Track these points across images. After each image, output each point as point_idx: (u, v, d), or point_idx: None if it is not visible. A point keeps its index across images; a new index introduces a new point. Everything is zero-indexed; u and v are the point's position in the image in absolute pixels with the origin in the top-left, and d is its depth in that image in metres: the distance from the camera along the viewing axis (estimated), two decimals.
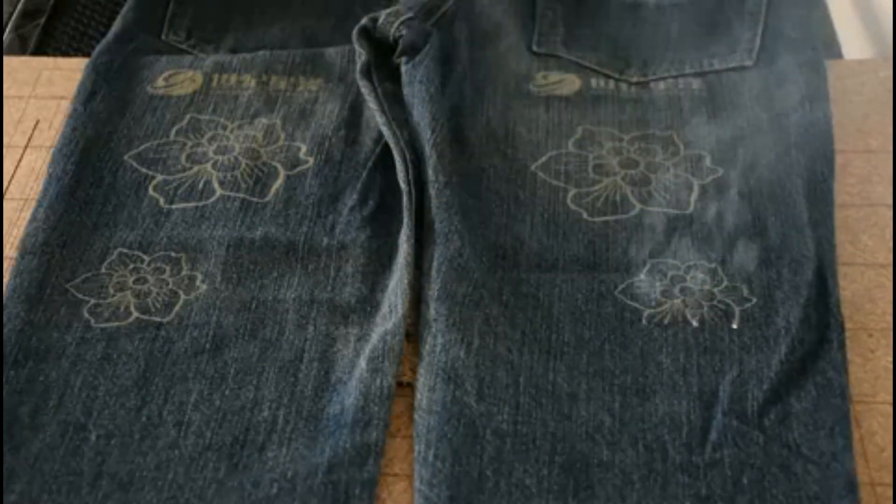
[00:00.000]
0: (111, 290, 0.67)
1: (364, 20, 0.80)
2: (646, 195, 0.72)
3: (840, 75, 0.82)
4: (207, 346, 0.64)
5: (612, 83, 0.81)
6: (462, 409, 0.59)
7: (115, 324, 0.65)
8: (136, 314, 0.65)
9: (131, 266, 0.68)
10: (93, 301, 0.66)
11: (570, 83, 0.82)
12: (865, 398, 0.61)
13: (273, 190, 0.73)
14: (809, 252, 0.66)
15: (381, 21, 0.80)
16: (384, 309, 0.64)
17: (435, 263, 0.66)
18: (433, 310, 0.63)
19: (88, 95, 0.79)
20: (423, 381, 0.61)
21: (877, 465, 0.58)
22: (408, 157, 0.71)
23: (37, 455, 0.58)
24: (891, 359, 0.63)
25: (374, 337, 0.63)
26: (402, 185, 0.70)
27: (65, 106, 0.80)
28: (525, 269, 0.67)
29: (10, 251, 0.69)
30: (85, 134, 0.76)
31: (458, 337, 0.62)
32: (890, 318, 0.65)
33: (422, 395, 0.60)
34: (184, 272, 0.68)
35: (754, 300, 0.65)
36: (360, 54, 0.78)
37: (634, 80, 0.81)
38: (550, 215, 0.71)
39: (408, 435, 0.60)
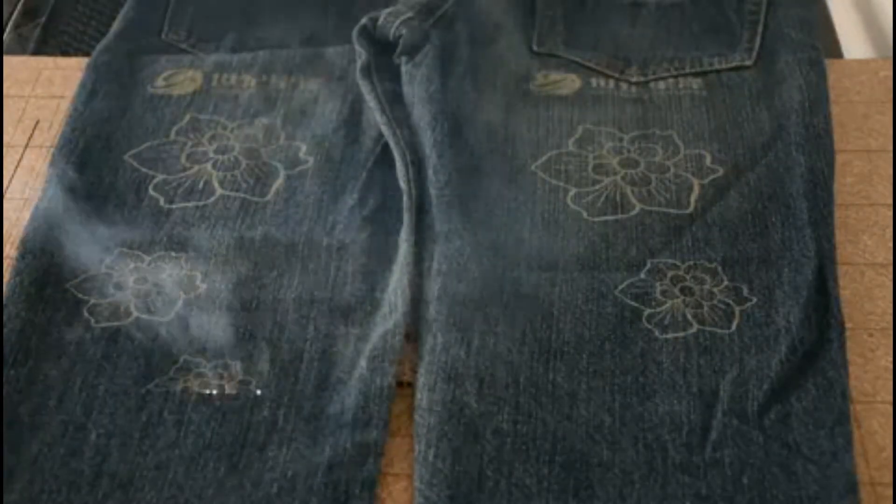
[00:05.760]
0: (111, 290, 0.67)
1: (364, 20, 0.80)
2: (646, 195, 0.72)
3: (840, 75, 0.82)
4: (207, 345, 0.64)
5: (612, 83, 0.81)
6: (462, 409, 0.59)
7: (115, 323, 0.65)
8: (135, 314, 0.65)
9: (131, 266, 0.68)
10: (93, 301, 0.66)
11: (570, 83, 0.82)
12: (865, 398, 0.61)
13: (273, 190, 0.73)
14: (809, 252, 0.66)
15: (381, 21, 0.80)
16: (384, 309, 0.64)
17: (435, 263, 0.66)
18: (433, 310, 0.63)
19: (88, 95, 0.79)
20: (423, 381, 0.61)
21: (877, 465, 0.58)
22: (408, 157, 0.71)
23: (37, 455, 0.58)
24: (891, 359, 0.63)
25: (374, 337, 0.63)
26: (402, 185, 0.70)
27: (65, 106, 0.80)
28: (525, 269, 0.67)
29: (10, 251, 0.69)
30: (85, 134, 0.76)
31: (458, 337, 0.62)
32: (890, 318, 0.65)
33: (422, 395, 0.60)
34: (184, 272, 0.68)
35: (754, 300, 0.65)
36: (360, 54, 0.78)
37: (634, 79, 0.81)
38: (550, 215, 0.71)
39: (408, 434, 0.60)
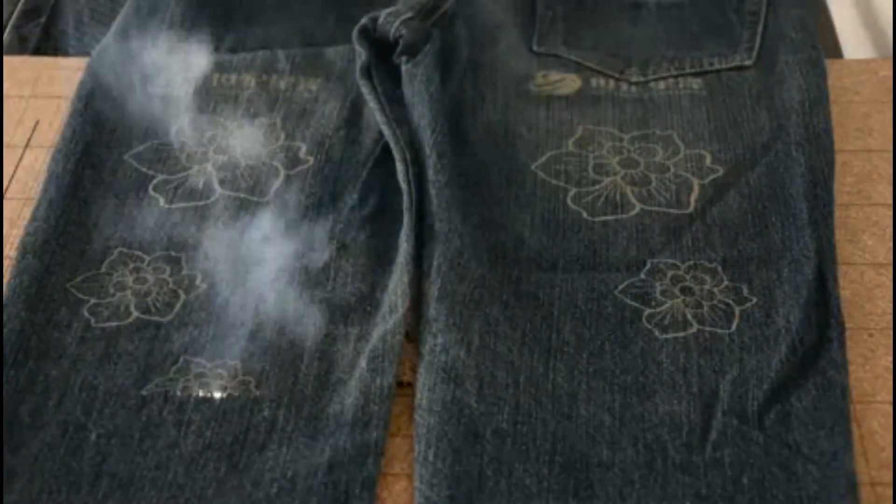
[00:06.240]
0: (111, 290, 0.67)
1: (364, 20, 0.80)
2: (646, 195, 0.72)
3: (840, 75, 0.82)
4: (207, 345, 0.64)
5: (612, 83, 0.81)
6: (462, 409, 0.59)
7: (115, 323, 0.65)
8: (136, 314, 0.65)
9: (131, 266, 0.68)
10: (93, 301, 0.66)
11: (570, 83, 0.82)
12: (865, 398, 0.61)
13: (273, 190, 0.73)
14: (809, 252, 0.66)
15: (381, 21, 0.80)
16: (384, 309, 0.64)
17: (435, 263, 0.66)
18: (433, 309, 0.63)
19: (88, 95, 0.79)
20: (423, 381, 0.61)
21: (877, 465, 0.58)
22: (408, 157, 0.71)
23: (37, 455, 0.58)
24: (891, 359, 0.63)
25: (374, 336, 0.63)
26: (402, 185, 0.70)
27: (65, 106, 0.80)
28: (525, 269, 0.67)
29: (10, 251, 0.69)
30: (85, 134, 0.76)
31: (458, 337, 0.62)
32: (890, 318, 0.65)
33: (422, 395, 0.60)
34: (184, 272, 0.68)
35: (754, 300, 0.65)
36: (360, 54, 0.78)
37: (634, 79, 0.81)
38: (550, 215, 0.71)
39: (408, 434, 0.60)
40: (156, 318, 0.65)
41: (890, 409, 0.60)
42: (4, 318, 0.64)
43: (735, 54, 0.83)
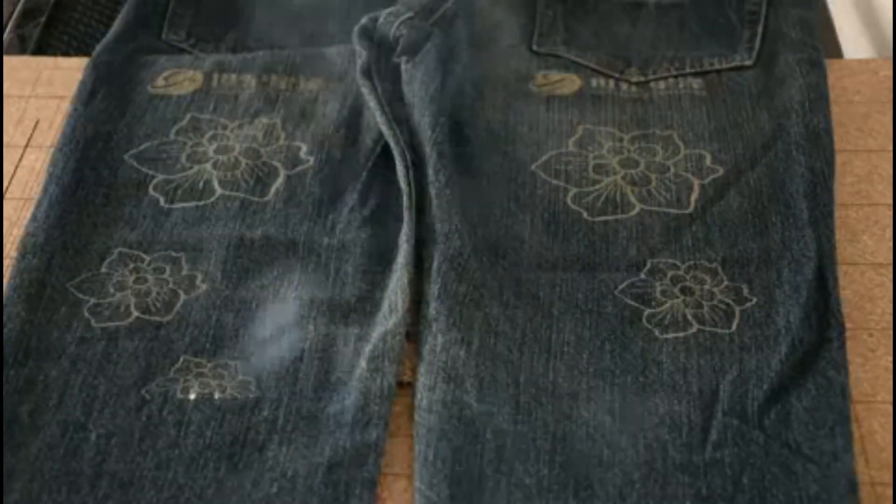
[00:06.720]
0: (111, 290, 0.67)
1: (364, 20, 0.80)
2: (646, 195, 0.72)
3: (840, 75, 0.82)
4: (207, 345, 0.64)
5: (612, 83, 0.81)
6: (462, 409, 0.59)
7: (116, 323, 0.65)
8: (136, 314, 0.65)
9: (131, 266, 0.68)
10: (93, 300, 0.66)
11: (570, 83, 0.82)
12: (865, 398, 0.61)
13: (273, 190, 0.73)
14: (810, 252, 0.66)
15: (381, 21, 0.80)
16: (384, 309, 0.64)
17: (435, 263, 0.66)
18: (433, 309, 0.63)
19: (88, 95, 0.79)
20: (423, 381, 0.61)
21: (877, 465, 0.58)
22: (408, 157, 0.71)
23: (37, 455, 0.58)
24: (891, 359, 0.63)
25: (374, 336, 0.63)
26: (402, 185, 0.70)
27: (65, 106, 0.80)
28: (525, 269, 0.67)
29: (10, 251, 0.69)
30: (85, 134, 0.76)
31: (458, 336, 0.62)
32: (890, 318, 0.65)
33: (422, 395, 0.60)
34: (184, 272, 0.68)
35: (754, 300, 0.65)
36: (360, 54, 0.78)
37: (634, 79, 0.81)
38: (550, 215, 0.71)
39: (408, 434, 0.60)
40: (156, 318, 0.65)
41: (890, 409, 0.60)
42: (4, 318, 0.64)
43: (735, 54, 0.83)
